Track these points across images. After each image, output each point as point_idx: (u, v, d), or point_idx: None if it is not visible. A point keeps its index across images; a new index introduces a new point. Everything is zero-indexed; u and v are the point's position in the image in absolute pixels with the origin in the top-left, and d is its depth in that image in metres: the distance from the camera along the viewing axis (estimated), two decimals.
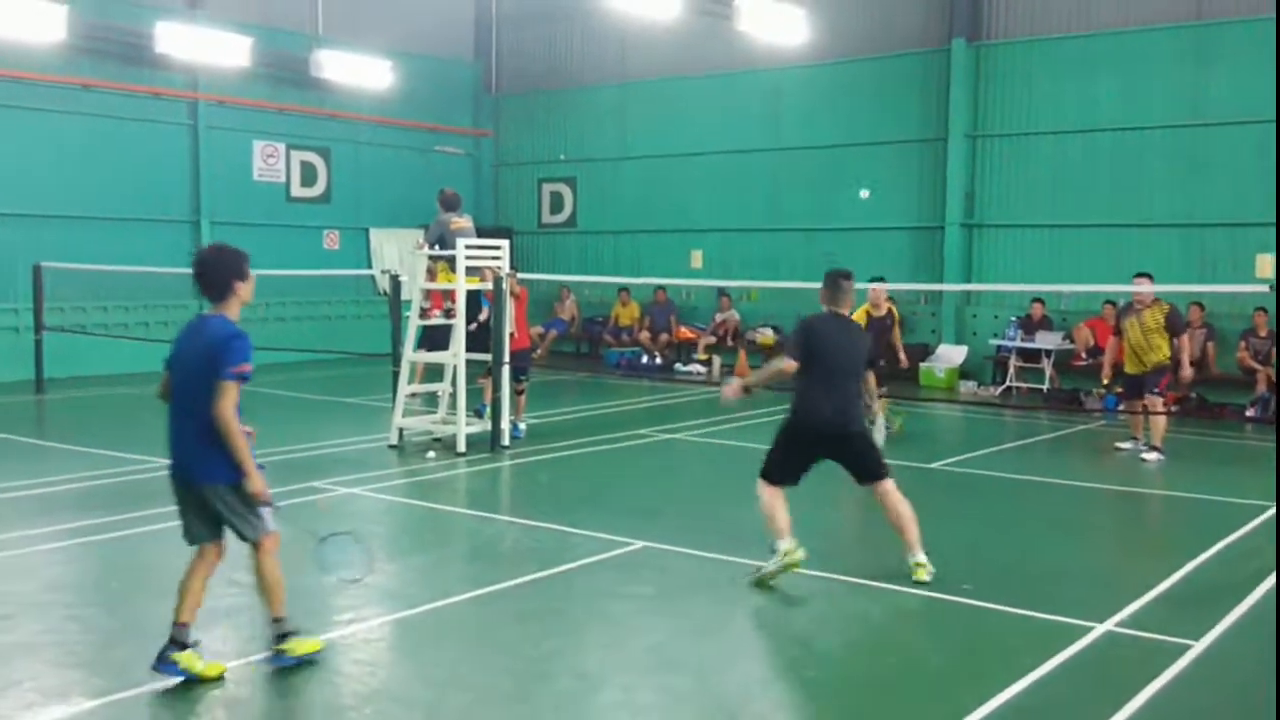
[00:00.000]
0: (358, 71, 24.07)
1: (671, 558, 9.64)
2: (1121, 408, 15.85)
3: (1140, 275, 15.03)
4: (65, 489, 11.99)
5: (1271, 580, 8.81)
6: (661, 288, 25.33)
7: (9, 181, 21.24)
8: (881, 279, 16.31)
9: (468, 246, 14.38)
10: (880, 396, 15.23)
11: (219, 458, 6.58)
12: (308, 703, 6.61)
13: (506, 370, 14.60)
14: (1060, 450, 15.81)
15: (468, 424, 14.44)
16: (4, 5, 18.24)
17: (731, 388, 9.75)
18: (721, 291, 24.99)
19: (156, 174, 23.28)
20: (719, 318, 25.01)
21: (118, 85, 22.50)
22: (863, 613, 8.31)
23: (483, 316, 15.15)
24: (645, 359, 24.84)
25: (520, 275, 16.16)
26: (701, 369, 24.25)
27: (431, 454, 14.21)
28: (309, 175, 25.95)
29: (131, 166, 22.82)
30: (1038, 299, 21.16)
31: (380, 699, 6.65)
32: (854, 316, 14.76)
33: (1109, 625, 7.88)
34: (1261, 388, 18.33)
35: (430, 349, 15.46)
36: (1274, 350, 18.72)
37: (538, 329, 25.49)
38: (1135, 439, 15.27)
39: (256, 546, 6.90)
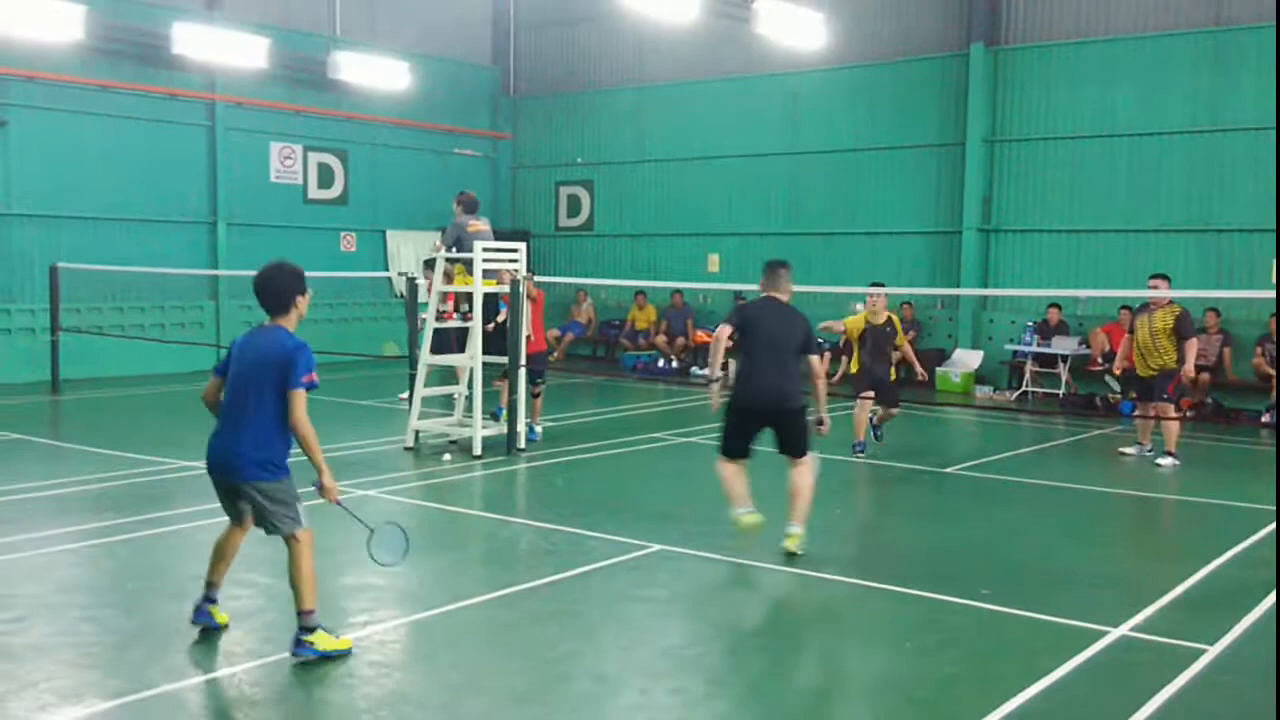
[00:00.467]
0: (375, 73, 24.10)
1: (687, 561, 9.63)
2: (1137, 412, 15.80)
3: (1156, 277, 15.01)
4: (80, 490, 12.02)
5: None
6: (678, 291, 25.32)
7: (26, 182, 21.31)
8: (880, 284, 16.14)
9: (485, 249, 14.39)
10: (886, 407, 15.18)
11: (267, 458, 7.14)
12: (324, 705, 6.61)
13: (523, 373, 14.60)
14: (1076, 455, 15.76)
15: (484, 427, 14.46)
16: (22, 6, 18.30)
17: (713, 396, 10.46)
18: (738, 295, 24.93)
19: (173, 175, 23.33)
20: None
21: (135, 86, 22.55)
22: (878, 616, 8.29)
23: (500, 318, 15.16)
24: (662, 362, 24.83)
25: (537, 278, 16.16)
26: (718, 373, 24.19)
27: (448, 457, 14.22)
28: (326, 177, 25.98)
29: (148, 167, 22.87)
30: (1054, 304, 21.12)
31: (396, 701, 6.65)
32: (851, 323, 14.86)
33: (1124, 629, 7.86)
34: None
35: (434, 351, 15.43)
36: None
37: (554, 332, 25.52)
38: (1140, 444, 15.30)
39: (291, 540, 7.27)
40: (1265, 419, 18.09)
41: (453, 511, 11.72)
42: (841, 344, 23.30)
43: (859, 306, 15.44)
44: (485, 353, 14.57)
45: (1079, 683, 6.95)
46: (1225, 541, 10.39)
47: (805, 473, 9.97)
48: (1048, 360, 20.90)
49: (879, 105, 23.83)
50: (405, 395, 16.96)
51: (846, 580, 9.08)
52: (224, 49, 21.76)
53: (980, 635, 7.96)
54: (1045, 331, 21.02)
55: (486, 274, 14.41)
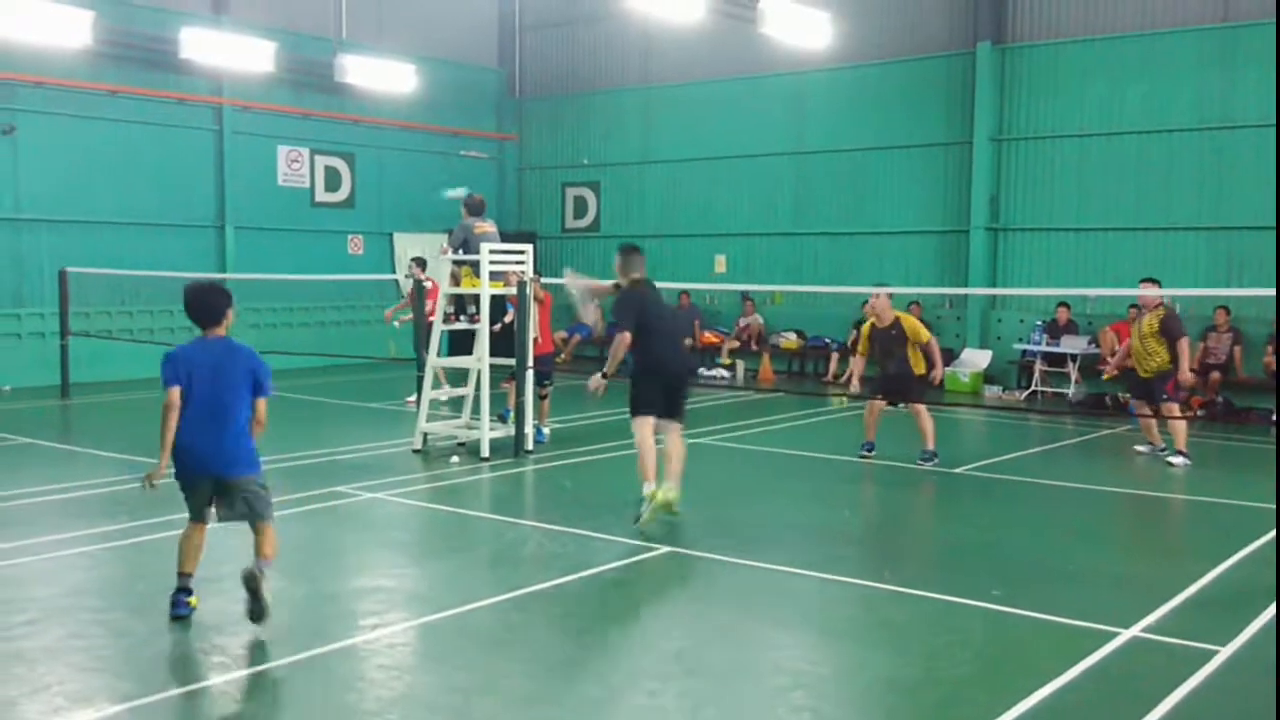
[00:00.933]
0: (381, 76, 24.09)
1: (695, 562, 9.63)
2: (1145, 412, 15.79)
3: (1146, 280, 15.10)
4: (91, 494, 12.03)
5: None
6: (685, 292, 25.31)
7: (35, 187, 21.37)
8: (882, 284, 16.06)
9: (492, 251, 14.40)
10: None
11: (252, 453, 7.97)
12: (334, 707, 6.61)
13: (530, 375, 14.61)
14: (1085, 455, 15.74)
15: (491, 429, 14.46)
16: (29, 11, 18.32)
17: (600, 384, 11.35)
18: (745, 296, 24.98)
19: (181, 179, 23.39)
20: (743, 322, 25.00)
21: (142, 91, 22.60)
22: (886, 617, 8.28)
23: (507, 319, 15.18)
24: None
25: (544, 280, 16.16)
26: (725, 373, 24.24)
27: (455, 459, 14.23)
28: (333, 180, 26.02)
29: (156, 172, 22.93)
30: (1063, 303, 21.09)
31: (405, 704, 6.66)
32: (863, 331, 14.77)
33: (1135, 630, 7.84)
34: None
35: (453, 353, 15.45)
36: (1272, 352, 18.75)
37: (561, 334, 25.50)
38: (1151, 444, 15.33)
39: (267, 524, 7.95)
40: (1276, 417, 18.05)
41: (461, 514, 11.73)
42: (849, 343, 23.37)
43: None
44: (492, 354, 14.58)
45: (1090, 684, 6.94)
46: (1236, 541, 10.37)
47: (680, 440, 11.25)
48: (1057, 360, 20.87)
49: (885, 104, 23.82)
50: (412, 399, 16.99)
51: (856, 581, 9.07)
52: (231, 53, 21.76)
53: (990, 636, 7.95)
54: (1054, 331, 21.00)
55: (494, 276, 14.42)
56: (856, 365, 15.41)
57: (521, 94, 29.61)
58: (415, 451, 14.64)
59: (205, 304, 7.96)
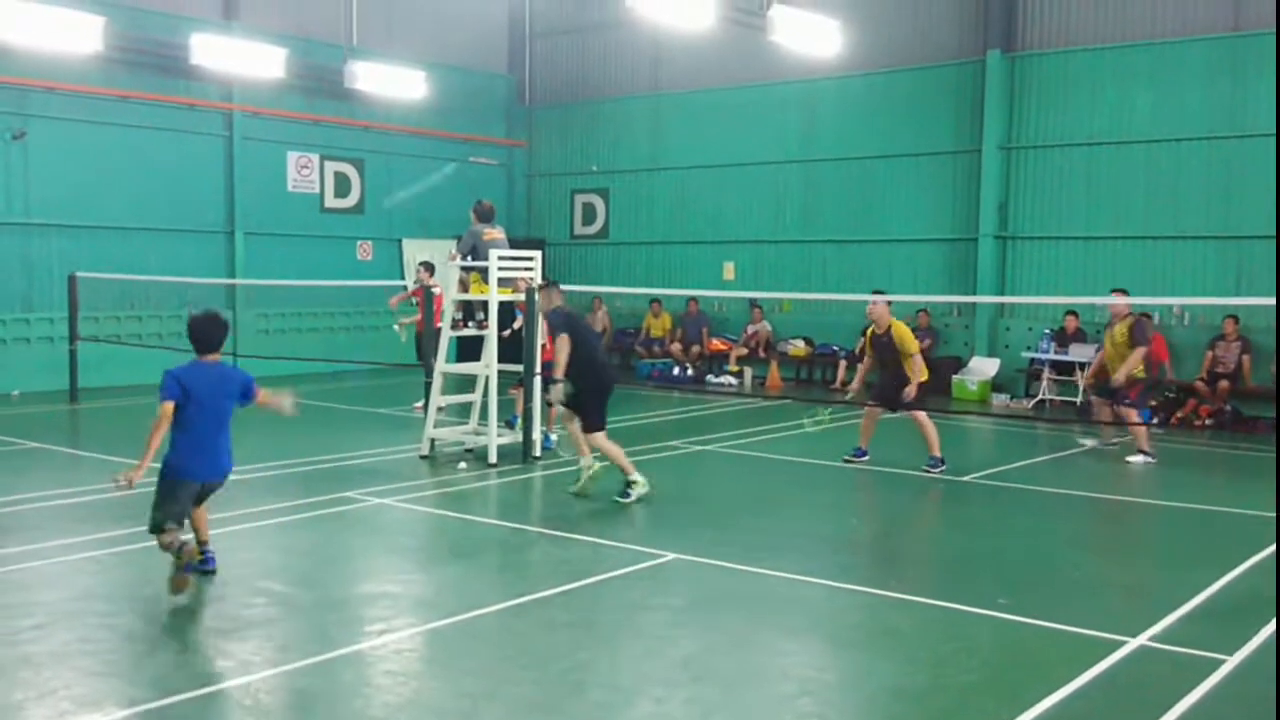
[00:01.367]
0: (391, 83, 24.14)
1: (703, 569, 9.63)
2: (1104, 411, 16.11)
3: (1116, 290, 15.45)
4: (99, 498, 12.04)
5: None
6: (694, 299, 25.34)
7: (45, 192, 21.40)
8: (879, 292, 16.06)
9: (500, 257, 14.42)
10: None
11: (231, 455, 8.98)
12: (340, 713, 6.61)
13: (538, 381, 14.61)
14: (1092, 463, 15.71)
15: (499, 435, 14.47)
16: (41, 17, 18.39)
17: (557, 391, 12.48)
18: (754, 303, 24.98)
19: (191, 185, 23.42)
20: (751, 329, 25.00)
21: (153, 96, 22.64)
22: (893, 626, 8.27)
23: (516, 325, 15.19)
24: (677, 370, 24.82)
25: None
26: (733, 380, 24.24)
27: (463, 465, 14.24)
28: (343, 186, 26.05)
29: (166, 177, 22.96)
30: (1071, 311, 21.05)
31: (412, 710, 6.66)
32: (866, 336, 14.85)
33: (1142, 639, 7.84)
34: None
35: (464, 359, 15.48)
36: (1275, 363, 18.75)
37: None
38: (1100, 438, 16.35)
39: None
40: (1277, 428, 18.02)
41: (468, 519, 11.74)
42: (857, 350, 23.37)
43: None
44: (500, 360, 14.60)
45: (1097, 693, 6.93)
46: (1244, 550, 10.35)
47: (606, 440, 12.57)
48: (1065, 368, 20.84)
49: (894, 112, 23.82)
50: (420, 405, 17.02)
51: (863, 589, 9.06)
52: (241, 59, 21.81)
53: (998, 644, 7.94)
54: (1062, 339, 20.97)
55: (502, 282, 14.44)
56: (860, 369, 15.57)
57: (531, 101, 29.64)
58: (423, 457, 14.65)
59: (207, 332, 8.87)
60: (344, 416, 18.79)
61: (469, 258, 14.78)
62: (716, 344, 25.21)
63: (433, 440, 14.83)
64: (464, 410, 15.90)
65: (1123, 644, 7.71)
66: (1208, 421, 18.78)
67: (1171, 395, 19.46)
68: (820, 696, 6.96)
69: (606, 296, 26.94)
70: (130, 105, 22.37)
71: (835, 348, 23.99)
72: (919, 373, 14.45)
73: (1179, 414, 19.06)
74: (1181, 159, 20.59)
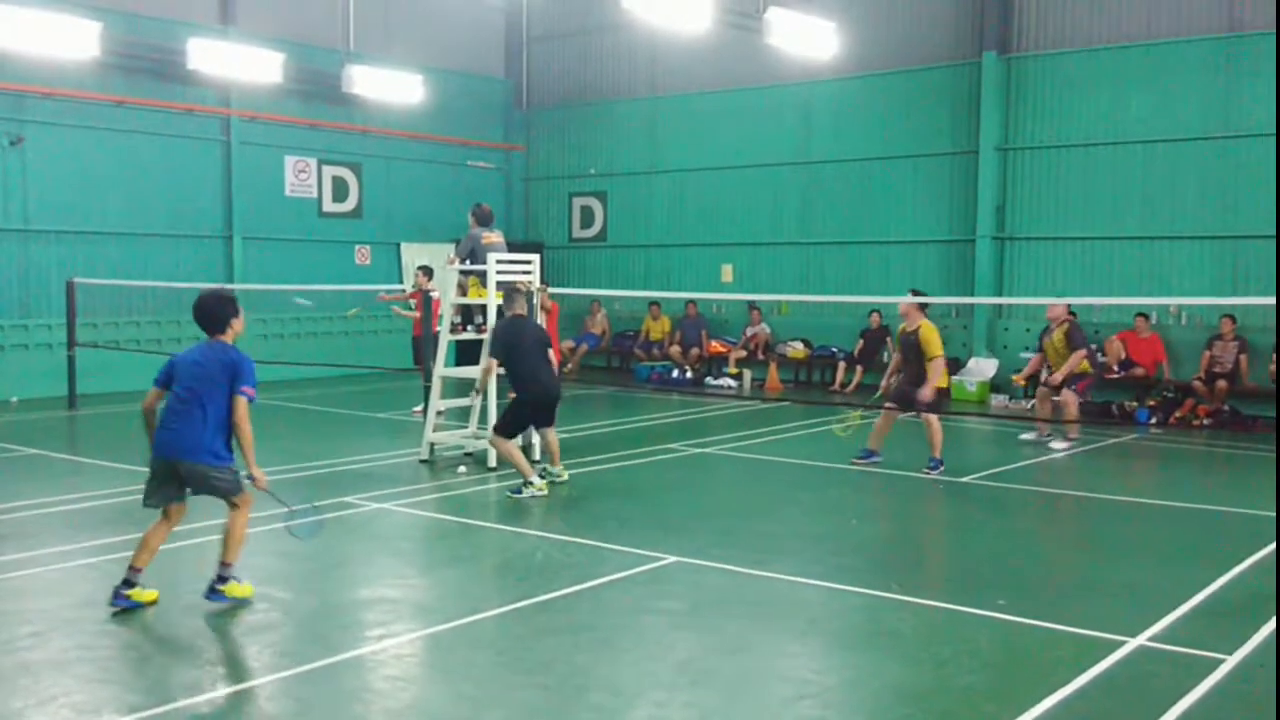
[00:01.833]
0: (389, 87, 24.18)
1: (703, 572, 9.63)
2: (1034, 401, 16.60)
3: (1054, 298, 16.60)
4: (98, 505, 12.05)
5: None
6: (692, 302, 25.35)
7: (43, 198, 21.41)
8: (917, 291, 16.12)
9: (499, 261, 14.42)
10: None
11: (213, 449, 8.35)
12: (340, 718, 6.61)
13: None
14: (1092, 464, 15.72)
15: None
16: (38, 23, 18.40)
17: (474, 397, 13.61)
18: (752, 305, 24.98)
19: (189, 190, 23.43)
20: (750, 331, 25.01)
21: (150, 102, 22.65)
22: (893, 627, 8.27)
23: None
24: (676, 373, 24.83)
25: (551, 290, 16.18)
26: (732, 383, 24.25)
27: (463, 469, 14.24)
28: (340, 190, 26.06)
29: (164, 182, 22.97)
30: (1070, 312, 21.02)
31: (412, 715, 6.66)
32: (896, 332, 14.93)
33: (1142, 639, 7.84)
34: None
35: (464, 364, 15.51)
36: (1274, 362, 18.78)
37: (569, 343, 25.56)
38: (1038, 430, 16.91)
39: (234, 504, 8.60)
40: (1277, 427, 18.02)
41: (468, 524, 11.73)
42: (855, 352, 23.37)
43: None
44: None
45: (1097, 693, 6.93)
46: (1243, 550, 10.36)
47: (555, 437, 13.40)
48: None
49: (891, 114, 23.83)
50: (419, 409, 17.03)
51: (862, 591, 9.06)
52: (239, 64, 21.85)
53: (997, 646, 7.94)
54: (1080, 339, 20.91)
55: (501, 286, 14.44)
56: (890, 366, 15.68)
57: (529, 104, 29.65)
58: (422, 462, 14.65)
59: (204, 312, 8.54)
60: (343, 421, 18.79)
61: (468, 261, 14.78)
62: (715, 346, 25.22)
63: (432, 445, 14.83)
64: (463, 414, 15.89)
65: (1123, 644, 7.71)
66: (1206, 421, 18.78)
67: (1170, 395, 19.46)
68: (820, 699, 6.96)
69: (605, 299, 26.95)
70: (127, 110, 22.37)
71: (834, 349, 23.99)
72: (938, 376, 14.55)
73: (1177, 414, 19.06)
74: (1178, 159, 20.60)
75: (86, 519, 11.49)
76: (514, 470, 12.96)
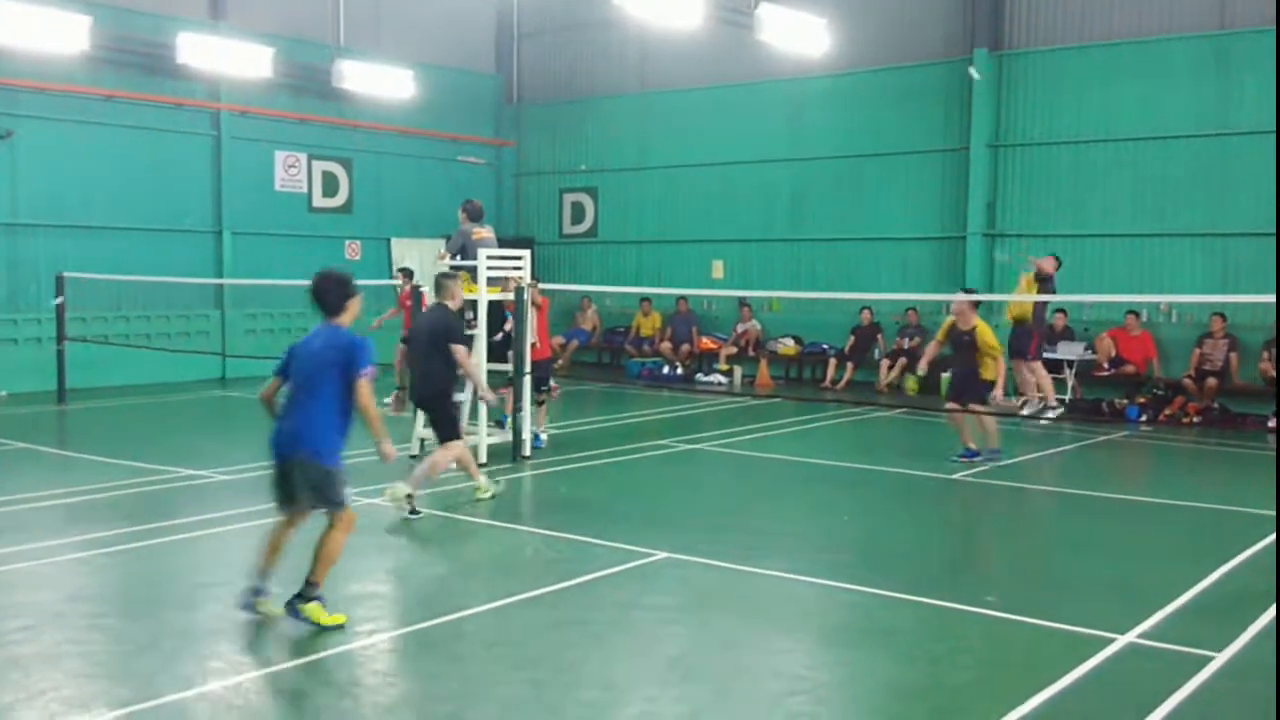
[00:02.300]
0: (379, 82, 24.15)
1: (693, 568, 9.63)
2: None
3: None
4: (88, 499, 12.03)
5: None
6: (683, 298, 25.34)
7: (32, 192, 21.35)
8: (970, 290, 16.19)
9: (489, 257, 14.41)
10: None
11: (326, 441, 7.91)
12: (331, 713, 6.60)
13: (528, 380, 14.60)
14: (1082, 461, 15.75)
15: (489, 434, 14.46)
16: (27, 17, 18.35)
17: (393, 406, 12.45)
18: (743, 302, 24.98)
19: (178, 184, 23.37)
20: (740, 328, 25.01)
21: (140, 96, 22.59)
22: (886, 624, 8.28)
23: (507, 327, 15.18)
24: (666, 369, 24.83)
25: (541, 285, 16.17)
26: (723, 379, 24.24)
27: (453, 464, 14.20)
28: (330, 185, 26.00)
29: (153, 177, 22.90)
30: (1060, 309, 21.05)
31: (402, 710, 6.65)
32: (944, 325, 14.98)
33: (1131, 636, 7.85)
34: None
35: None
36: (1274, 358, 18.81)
37: (559, 339, 25.53)
38: (1029, 400, 16.71)
39: (335, 516, 8.07)
40: (1272, 424, 18.05)
41: (458, 519, 11.72)
42: (847, 348, 23.37)
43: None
44: (490, 360, 14.59)
45: (1088, 690, 6.95)
46: (1233, 547, 10.38)
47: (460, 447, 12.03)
48: (1054, 366, 20.81)
49: (882, 111, 23.83)
50: (389, 400, 17.10)
51: (853, 588, 9.06)
52: (229, 58, 21.80)
53: (989, 643, 7.96)
54: (1051, 337, 20.96)
55: (492, 281, 14.43)
56: (928, 352, 15.90)
57: (519, 100, 29.62)
58: (412, 457, 14.58)
59: (325, 292, 8.13)
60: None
61: (458, 257, 14.77)
62: (706, 343, 25.22)
63: (422, 440, 14.78)
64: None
65: (1113, 641, 7.72)
66: (1196, 419, 18.81)
67: (1160, 393, 19.50)
68: (812, 695, 6.96)
69: (596, 295, 26.91)
70: (117, 105, 22.31)
71: (824, 346, 24.01)
72: (999, 372, 15.00)
73: (1167, 411, 19.09)
74: (1168, 157, 20.63)
75: (76, 513, 11.47)
76: (504, 467, 12.94)
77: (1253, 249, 19.56)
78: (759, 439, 16.76)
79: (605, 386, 23.65)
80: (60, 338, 19.95)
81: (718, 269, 26.02)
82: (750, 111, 25.46)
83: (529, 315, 14.68)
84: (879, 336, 23.48)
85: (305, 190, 25.55)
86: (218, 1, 23.66)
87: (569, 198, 28.74)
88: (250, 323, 23.76)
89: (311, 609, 7.78)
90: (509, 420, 15.04)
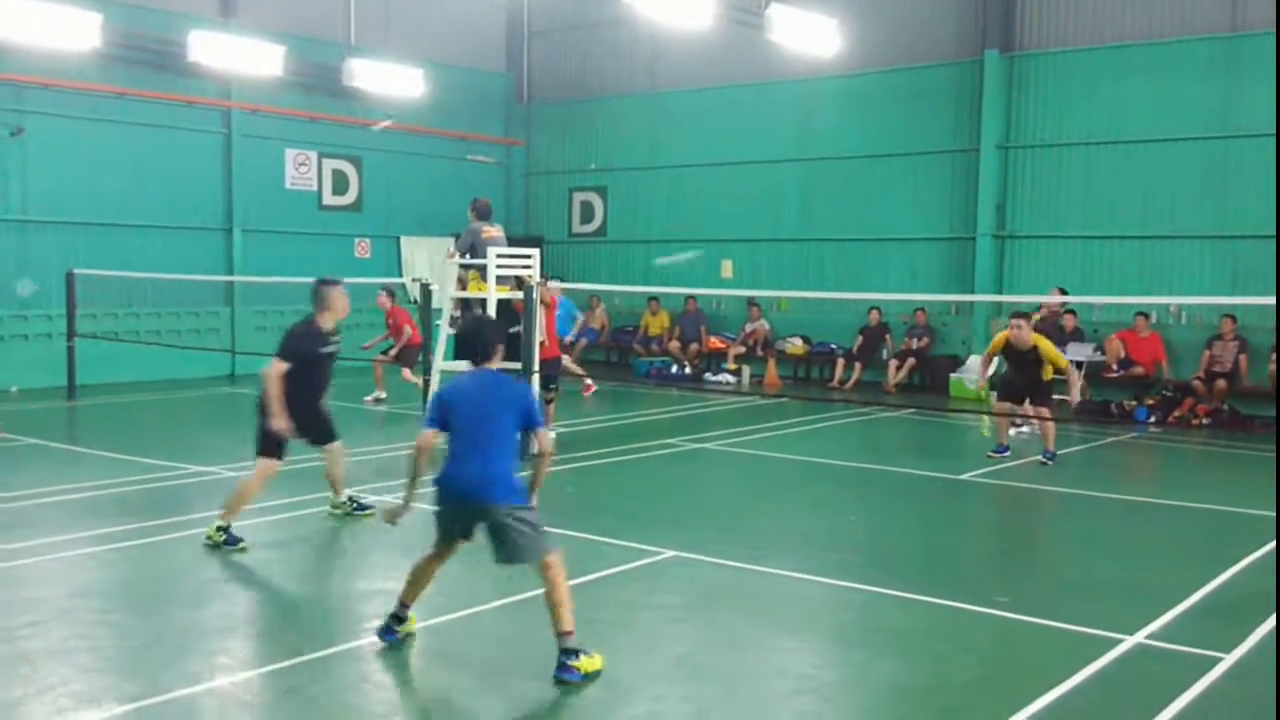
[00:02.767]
0: (390, 80, 24.18)
1: (700, 567, 9.63)
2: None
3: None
4: (97, 495, 12.05)
5: None
6: (691, 297, 25.34)
7: (43, 189, 21.40)
8: (1023, 315, 16.13)
9: (499, 255, 14.42)
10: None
11: (516, 485, 7.68)
12: (340, 709, 6.61)
13: (536, 379, 14.61)
14: (1091, 462, 15.73)
15: None
16: (39, 14, 18.39)
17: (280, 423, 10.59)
18: (751, 301, 24.97)
19: (189, 181, 23.40)
20: (749, 327, 25.01)
21: (151, 93, 22.62)
22: (893, 623, 8.27)
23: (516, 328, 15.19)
24: (675, 368, 24.83)
25: (563, 285, 16.18)
26: (731, 379, 24.24)
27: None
28: (340, 183, 26.04)
29: (164, 174, 22.94)
30: (1069, 310, 21.02)
31: (410, 707, 6.67)
32: (995, 341, 15.27)
33: (1139, 637, 7.84)
34: None
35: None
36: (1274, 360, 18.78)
37: (568, 338, 25.52)
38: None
39: (544, 567, 7.63)
40: (1277, 426, 18.02)
41: None
42: (855, 349, 23.36)
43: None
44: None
45: (1095, 691, 6.94)
46: (1241, 548, 10.36)
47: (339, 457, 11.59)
48: None
49: (893, 111, 23.82)
50: (370, 398, 17.22)
51: (861, 587, 9.06)
52: (239, 56, 21.84)
53: (996, 643, 7.95)
54: (1060, 338, 20.90)
55: (501, 280, 14.44)
56: (983, 367, 16.50)
57: (529, 99, 29.64)
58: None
59: (468, 343, 7.96)
60: (340, 413, 18.68)
61: (468, 255, 14.78)
62: (714, 342, 25.21)
63: None
64: None
65: (1120, 642, 7.72)
66: (1205, 421, 18.78)
67: (1169, 394, 19.47)
68: (818, 694, 6.96)
69: (605, 294, 26.92)
70: (128, 102, 22.35)
71: (833, 346, 24.01)
72: (1075, 381, 16.00)
73: (1177, 413, 19.06)
74: (1178, 158, 20.60)
75: (85, 509, 11.50)
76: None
77: (1263, 251, 19.51)
78: (767, 438, 16.75)
79: (613, 385, 23.63)
80: (70, 334, 19.99)
81: (727, 268, 26.01)
82: (760, 112, 25.46)
83: (538, 313, 14.68)
84: (887, 337, 23.47)
85: (315, 188, 25.58)
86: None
87: (578, 197, 28.75)
88: (260, 320, 23.79)
89: (583, 663, 7.19)
90: None
